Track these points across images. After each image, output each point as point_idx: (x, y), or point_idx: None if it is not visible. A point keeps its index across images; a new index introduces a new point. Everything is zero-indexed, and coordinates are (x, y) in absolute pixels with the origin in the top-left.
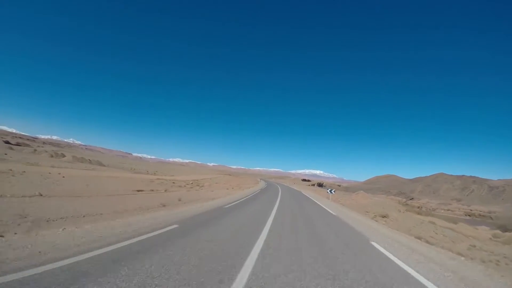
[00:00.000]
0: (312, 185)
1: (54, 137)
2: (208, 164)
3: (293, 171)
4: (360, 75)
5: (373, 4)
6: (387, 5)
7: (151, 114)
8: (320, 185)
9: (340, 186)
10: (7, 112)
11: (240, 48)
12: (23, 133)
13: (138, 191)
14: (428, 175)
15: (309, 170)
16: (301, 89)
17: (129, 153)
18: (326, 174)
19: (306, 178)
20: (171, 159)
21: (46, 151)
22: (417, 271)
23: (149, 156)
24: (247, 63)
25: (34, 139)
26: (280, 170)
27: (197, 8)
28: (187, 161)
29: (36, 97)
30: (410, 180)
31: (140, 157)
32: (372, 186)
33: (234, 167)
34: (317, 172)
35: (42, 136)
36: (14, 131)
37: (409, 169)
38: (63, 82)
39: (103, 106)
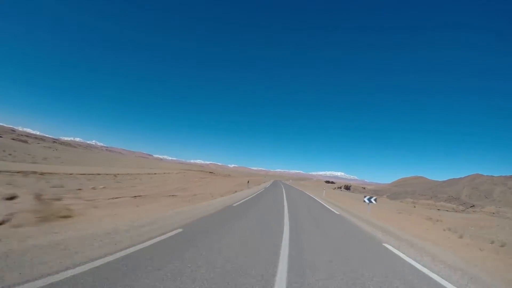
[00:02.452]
0: (338, 187)
1: (77, 139)
2: (229, 165)
3: (314, 173)
4: (381, 76)
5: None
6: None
7: (175, 117)
8: (347, 188)
9: (365, 188)
10: (36, 116)
11: (257, 48)
12: (46, 135)
13: None
14: (458, 176)
15: (330, 172)
16: (319, 91)
17: (150, 155)
18: (347, 176)
19: (330, 180)
20: (192, 161)
21: None
22: None
23: (170, 158)
24: (266, 65)
25: (43, 139)
26: (301, 171)
27: (229, 15)
28: (208, 162)
29: (62, 101)
30: (444, 182)
31: (161, 158)
32: (405, 189)
33: (254, 168)
34: (338, 173)
35: (65, 138)
36: (37, 133)
37: (432, 170)
38: (91, 86)
39: (128, 109)
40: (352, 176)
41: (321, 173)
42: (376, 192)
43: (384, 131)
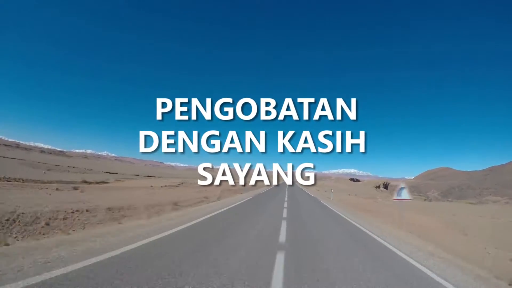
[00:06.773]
0: (377, 187)
1: (89, 151)
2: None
3: (326, 171)
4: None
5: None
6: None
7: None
8: (385, 186)
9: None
10: (45, 130)
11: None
12: (57, 148)
13: None
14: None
15: (343, 170)
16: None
17: (161, 162)
18: (361, 172)
19: (354, 178)
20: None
21: None
22: None
23: (182, 165)
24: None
25: (41, 151)
26: (315, 171)
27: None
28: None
29: (72, 114)
30: (489, 171)
31: (172, 166)
32: (451, 182)
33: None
34: (351, 171)
35: (77, 150)
36: (49, 147)
37: (444, 160)
38: (106, 99)
39: (136, 118)
40: (366, 173)
41: (333, 171)
42: (418, 189)
43: (391, 126)
